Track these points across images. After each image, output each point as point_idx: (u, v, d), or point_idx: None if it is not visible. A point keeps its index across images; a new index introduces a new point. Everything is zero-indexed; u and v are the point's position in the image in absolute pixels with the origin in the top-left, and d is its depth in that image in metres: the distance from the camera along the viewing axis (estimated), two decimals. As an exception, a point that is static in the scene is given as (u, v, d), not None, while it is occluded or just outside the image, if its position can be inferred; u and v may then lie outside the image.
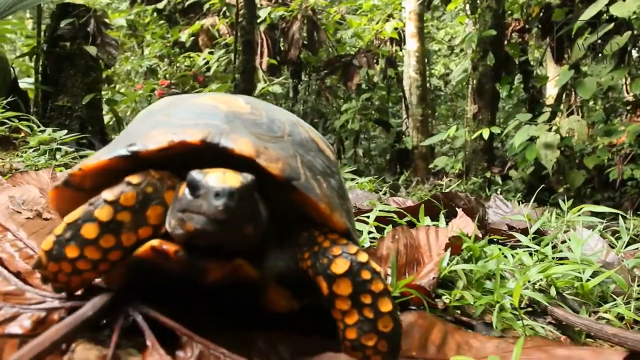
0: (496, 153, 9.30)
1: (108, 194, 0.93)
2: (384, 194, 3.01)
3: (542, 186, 8.07)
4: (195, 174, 0.89)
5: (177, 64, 9.40)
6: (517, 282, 1.31)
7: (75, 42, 4.89)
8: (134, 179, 0.94)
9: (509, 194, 7.51)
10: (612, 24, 7.01)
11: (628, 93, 7.95)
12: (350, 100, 11.09)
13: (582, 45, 7.35)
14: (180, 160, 1.01)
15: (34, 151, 2.36)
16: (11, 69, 4.36)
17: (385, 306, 0.95)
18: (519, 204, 3.48)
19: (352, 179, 3.12)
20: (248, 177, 0.89)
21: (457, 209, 1.98)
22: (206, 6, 10.30)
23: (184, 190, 0.90)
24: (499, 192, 7.13)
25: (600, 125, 7.88)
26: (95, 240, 0.91)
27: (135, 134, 1.09)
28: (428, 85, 12.35)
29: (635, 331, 1.25)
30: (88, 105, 4.77)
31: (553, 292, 1.65)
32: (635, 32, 6.61)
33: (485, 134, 7.44)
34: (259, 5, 10.24)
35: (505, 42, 8.28)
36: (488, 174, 7.81)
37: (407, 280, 1.29)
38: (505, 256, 1.83)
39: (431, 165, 8.66)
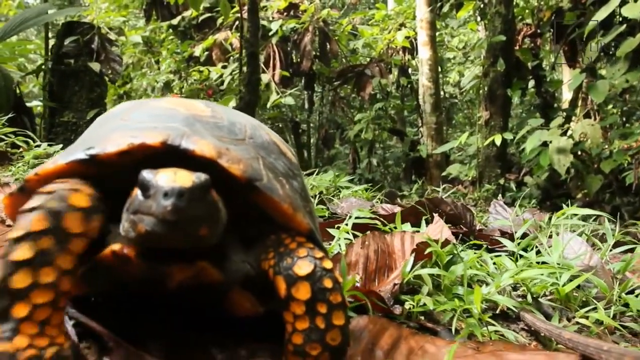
0: (512, 160, 9.18)
1: (15, 232, 0.83)
2: (380, 201, 2.99)
3: (559, 192, 7.97)
4: (145, 174, 0.86)
5: (190, 79, 9.52)
6: (477, 287, 1.29)
7: (80, 59, 5.00)
8: (32, 202, 0.85)
9: (524, 200, 7.40)
10: (625, 26, 6.91)
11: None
12: (364, 110, 11.08)
13: (594, 48, 7.26)
14: (141, 165, 0.97)
15: (23, 165, 2.41)
16: (16, 86, 4.49)
17: (339, 320, 0.94)
18: (519, 207, 3.42)
19: (347, 187, 3.11)
20: (202, 176, 0.87)
21: (434, 214, 1.95)
22: (219, 21, 10.43)
23: (136, 191, 0.88)
24: (510, 198, 7.04)
25: (616, 129, 7.74)
26: (34, 284, 0.80)
27: (94, 137, 1.08)
28: (442, 93, 12.28)
29: (587, 336, 1.21)
30: (92, 120, 4.83)
31: (531, 297, 1.62)
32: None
33: (498, 140, 7.35)
34: (270, 18, 10.35)
35: (517, 47, 8.20)
36: (502, 181, 7.70)
37: (350, 281, 1.28)
38: (485, 261, 1.80)
39: (444, 173, 8.58)
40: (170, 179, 0.84)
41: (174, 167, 0.89)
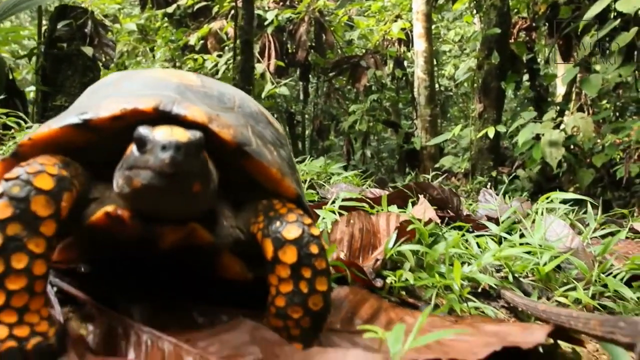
0: (506, 153, 9.22)
1: None
2: (370, 187, 3.01)
3: (551, 186, 8.01)
4: (142, 130, 0.88)
5: (184, 67, 9.49)
6: (456, 262, 1.31)
7: (73, 43, 4.99)
8: None
9: (516, 193, 7.43)
10: (619, 20, 6.93)
11: (638, 91, 7.84)
12: (359, 102, 11.08)
13: (588, 43, 7.28)
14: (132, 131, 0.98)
15: (14, 144, 2.42)
16: (8, 70, 4.48)
17: (322, 285, 0.96)
18: (509, 198, 3.46)
19: (338, 174, 3.13)
20: (196, 134, 0.89)
21: (420, 196, 1.97)
22: (215, 9, 10.38)
23: (131, 148, 0.89)
24: (502, 191, 7.07)
25: (609, 123, 7.78)
26: (6, 270, 0.80)
27: (87, 104, 1.09)
28: (437, 85, 12.30)
29: (560, 307, 1.24)
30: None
31: (512, 277, 1.65)
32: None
33: (491, 132, 7.39)
34: (266, 8, 10.31)
35: (512, 41, 8.21)
36: (494, 173, 7.75)
37: (332, 248, 1.30)
38: (469, 243, 1.83)
39: (437, 165, 8.62)
40: (167, 133, 0.86)
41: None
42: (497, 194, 3.58)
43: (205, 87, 1.18)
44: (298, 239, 0.95)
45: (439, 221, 1.79)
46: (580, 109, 8.19)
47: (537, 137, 7.09)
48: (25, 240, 0.80)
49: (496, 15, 7.56)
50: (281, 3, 10.48)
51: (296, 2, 10.30)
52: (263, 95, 9.51)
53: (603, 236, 2.12)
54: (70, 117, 1.01)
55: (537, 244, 1.69)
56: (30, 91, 5.44)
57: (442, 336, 0.90)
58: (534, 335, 1.04)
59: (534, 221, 1.99)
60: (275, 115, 12.22)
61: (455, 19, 11.95)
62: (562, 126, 7.18)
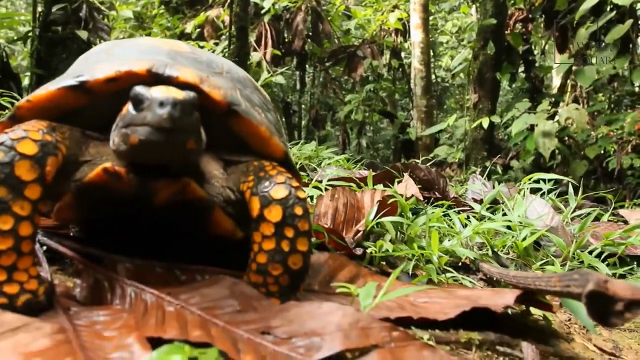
0: (501, 144, 9.26)
1: None
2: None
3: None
4: (139, 89, 0.92)
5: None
6: (434, 233, 1.36)
7: (68, 27, 5.00)
8: None
9: (509, 183, 7.48)
10: (614, 13, 6.95)
11: (632, 84, 7.88)
12: (355, 92, 11.10)
13: (584, 35, 7.30)
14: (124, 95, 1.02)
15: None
16: (3, 53, 4.50)
17: (303, 246, 1.00)
18: (498, 183, 3.50)
19: (329, 157, 3.17)
20: (190, 93, 0.94)
21: (404, 174, 2.02)
22: (211, -3, 10.37)
23: (127, 107, 0.93)
24: (496, 181, 7.12)
25: (603, 115, 7.82)
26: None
27: (81, 69, 1.13)
28: (434, 76, 12.31)
29: (529, 272, 1.29)
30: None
31: (492, 252, 1.70)
32: (640, 20, 6.53)
33: (485, 123, 7.42)
34: (263, -3, 10.29)
35: (508, 32, 8.23)
36: (488, 163, 7.79)
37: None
38: (453, 221, 1.87)
39: (431, 155, 8.66)
40: (164, 91, 0.91)
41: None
42: (492, 182, 3.63)
43: (195, 53, 1.24)
44: (284, 199, 0.99)
45: (421, 197, 1.84)
46: (575, 101, 8.23)
47: (532, 129, 7.13)
48: (10, 203, 0.83)
49: (492, 6, 7.59)
50: (278, -9, 10.46)
51: (293, -9, 10.29)
52: (259, 83, 9.49)
53: (585, 217, 2.17)
54: (66, 80, 1.05)
55: (516, 220, 1.74)
56: (26, 76, 5.45)
57: (411, 291, 0.95)
58: (503, 298, 1.09)
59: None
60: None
61: (453, 10, 11.95)
62: (556, 117, 7.22)
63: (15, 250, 0.84)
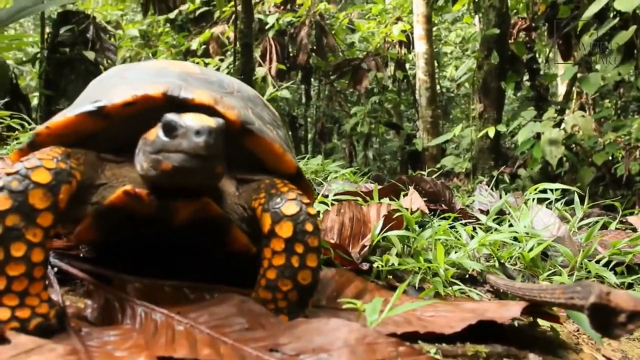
0: (508, 153, 9.25)
1: None
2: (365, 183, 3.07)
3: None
4: (171, 116, 0.94)
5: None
6: (440, 246, 1.36)
7: (75, 48, 5.10)
8: None
9: (518, 192, 7.45)
10: (618, 19, 6.96)
11: (638, 89, 7.86)
12: (361, 104, 11.15)
13: (588, 42, 7.31)
14: (143, 119, 1.05)
15: (18, 144, 2.49)
16: (12, 74, 4.58)
17: (312, 262, 1.02)
18: (506, 193, 3.50)
19: (336, 171, 3.19)
20: (219, 120, 0.97)
21: (410, 187, 2.03)
22: (216, 14, 10.47)
23: (157, 133, 0.95)
24: (503, 190, 7.10)
25: (610, 122, 7.80)
26: (6, 258, 0.85)
27: (96, 94, 1.15)
28: (439, 87, 12.34)
29: (535, 284, 1.29)
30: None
31: (498, 263, 1.70)
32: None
33: (491, 132, 7.42)
34: (267, 12, 10.39)
35: (511, 41, 8.26)
36: (495, 173, 7.77)
37: None
38: (459, 233, 1.88)
39: (438, 165, 8.66)
40: (197, 119, 0.93)
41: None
42: (499, 192, 3.63)
43: (205, 74, 1.26)
44: (295, 215, 1.01)
45: (427, 211, 1.85)
46: (581, 108, 8.22)
47: (538, 137, 7.12)
48: (23, 230, 0.86)
49: (495, 16, 7.61)
50: (282, 7, 10.56)
51: (297, 6, 10.38)
52: (265, 98, 9.55)
53: (593, 226, 2.17)
54: (84, 105, 1.07)
55: (523, 231, 1.74)
56: (35, 97, 5.55)
57: (417, 306, 0.96)
58: (509, 310, 1.10)
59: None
60: (278, 119, 12.27)
61: (456, 20, 12.00)
62: (562, 125, 7.21)
63: (27, 276, 0.86)
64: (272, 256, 1.01)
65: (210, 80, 1.23)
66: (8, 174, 0.88)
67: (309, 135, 13.62)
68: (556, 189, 2.69)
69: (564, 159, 7.32)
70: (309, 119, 13.37)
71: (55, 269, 1.09)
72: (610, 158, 7.46)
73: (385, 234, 1.50)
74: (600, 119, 8.30)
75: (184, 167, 0.91)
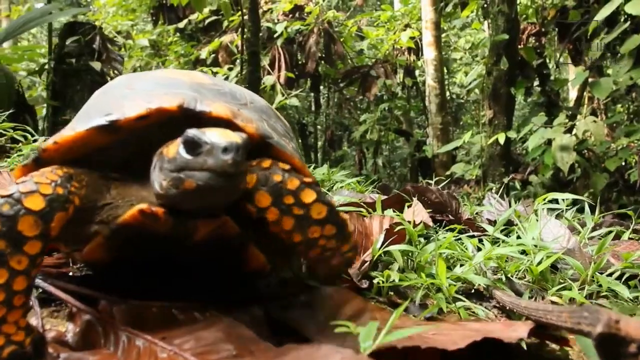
0: (519, 159, 9.16)
1: None
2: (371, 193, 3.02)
3: (565, 191, 7.91)
4: (193, 132, 0.89)
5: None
6: (440, 261, 1.31)
7: (82, 59, 5.12)
8: None
9: (528, 199, 7.36)
10: (628, 23, 6.88)
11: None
12: (370, 111, 11.11)
13: (598, 46, 7.23)
14: (153, 131, 1.01)
15: (18, 156, 2.47)
16: (18, 85, 4.60)
17: (308, 197, 0.99)
18: (516, 202, 3.43)
19: (342, 181, 3.14)
20: (243, 135, 0.92)
21: (414, 198, 1.98)
22: (225, 24, 10.51)
23: (177, 150, 0.90)
24: (515, 197, 7.01)
25: (623, 127, 7.69)
26: None
27: (105, 106, 1.08)
28: (448, 93, 12.28)
29: (541, 304, 1.23)
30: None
31: (505, 277, 1.64)
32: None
33: (501, 138, 7.33)
34: (275, 20, 10.41)
35: (521, 46, 8.18)
36: (506, 179, 7.68)
37: None
38: (465, 245, 1.82)
39: (448, 172, 8.58)
40: (224, 135, 0.88)
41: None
42: (509, 200, 3.56)
43: (217, 85, 1.20)
44: (257, 181, 0.99)
45: (431, 223, 1.79)
46: (593, 113, 8.12)
47: (549, 143, 7.03)
48: (8, 257, 0.82)
49: (504, 21, 7.55)
50: (290, 15, 10.58)
51: (305, 14, 10.39)
52: (274, 106, 9.56)
53: (604, 237, 2.10)
54: (94, 118, 1.01)
55: (530, 243, 1.68)
56: (43, 107, 5.59)
57: (416, 332, 0.91)
58: (516, 331, 1.04)
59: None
60: (288, 127, 12.28)
61: (465, 26, 11.94)
62: (573, 131, 7.11)
63: (6, 304, 0.82)
64: (281, 229, 0.99)
65: (222, 91, 1.18)
66: (2, 196, 0.84)
67: (319, 143, 13.60)
68: (566, 199, 2.63)
69: (576, 165, 7.22)
70: (318, 127, 13.35)
71: (40, 290, 1.05)
72: (623, 163, 7.35)
73: (386, 249, 1.45)
74: (613, 124, 8.19)
75: (210, 185, 0.87)
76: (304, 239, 0.98)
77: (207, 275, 1.15)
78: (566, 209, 2.47)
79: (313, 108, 12.62)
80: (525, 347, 1.15)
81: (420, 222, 1.66)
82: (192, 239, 0.97)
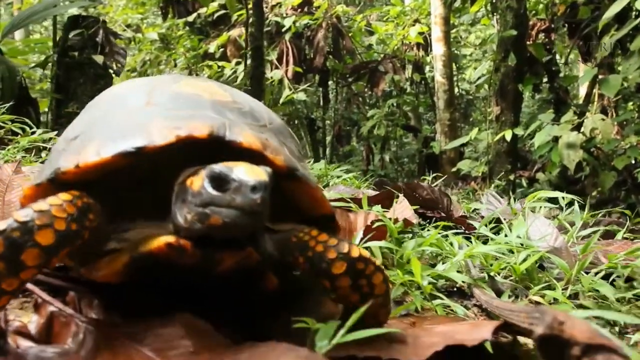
0: (527, 156, 9.09)
1: None
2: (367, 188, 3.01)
3: (572, 190, 7.84)
4: (219, 169, 0.87)
5: (200, 74, 9.62)
6: (414, 259, 1.30)
7: (85, 52, 5.14)
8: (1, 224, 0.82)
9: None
10: (639, 19, 6.78)
11: (662, 91, 7.65)
12: (378, 107, 11.09)
13: (608, 43, 7.14)
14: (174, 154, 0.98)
15: (14, 148, 2.49)
16: (21, 78, 4.63)
17: (378, 279, 1.02)
18: (515, 200, 3.41)
19: (339, 176, 3.14)
20: (269, 170, 0.90)
21: (400, 195, 1.97)
22: (234, 18, 10.51)
23: (202, 184, 0.88)
24: (521, 195, 6.96)
25: (633, 125, 7.60)
26: None
27: (129, 125, 1.04)
28: (457, 89, 12.21)
29: (510, 302, 1.23)
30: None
31: (487, 276, 1.63)
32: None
33: (508, 135, 7.29)
34: (284, 15, 10.39)
35: (530, 42, 8.11)
36: (512, 177, 7.63)
37: None
38: (452, 243, 1.81)
39: (454, 169, 8.54)
40: (251, 172, 0.87)
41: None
42: (515, 198, 3.53)
43: (237, 102, 1.17)
44: (346, 270, 1.00)
45: (415, 220, 1.78)
46: (603, 111, 8.03)
47: (557, 140, 6.97)
48: (1, 279, 0.79)
49: (513, 17, 7.48)
50: (299, 9, 10.55)
51: (314, 9, 10.36)
52: (281, 101, 9.59)
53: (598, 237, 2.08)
54: (118, 142, 0.97)
55: (515, 242, 1.67)
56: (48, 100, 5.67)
57: (375, 333, 0.90)
58: (480, 332, 1.03)
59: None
60: (296, 122, 12.28)
61: (475, 22, 11.85)
62: (581, 128, 7.04)
63: None
64: (343, 296, 1.03)
65: (243, 110, 1.14)
66: (17, 221, 0.81)
67: (327, 138, 13.59)
68: (564, 197, 2.60)
69: (584, 162, 7.15)
70: (327, 122, 13.34)
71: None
72: (632, 162, 7.27)
73: (366, 245, 1.45)
74: (622, 122, 8.10)
75: (236, 222, 0.86)
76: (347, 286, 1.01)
77: (219, 294, 1.15)
78: (566, 208, 2.46)
79: (321, 103, 12.60)
80: (500, 343, 1.15)
81: (407, 221, 1.65)
82: (216, 270, 0.97)
